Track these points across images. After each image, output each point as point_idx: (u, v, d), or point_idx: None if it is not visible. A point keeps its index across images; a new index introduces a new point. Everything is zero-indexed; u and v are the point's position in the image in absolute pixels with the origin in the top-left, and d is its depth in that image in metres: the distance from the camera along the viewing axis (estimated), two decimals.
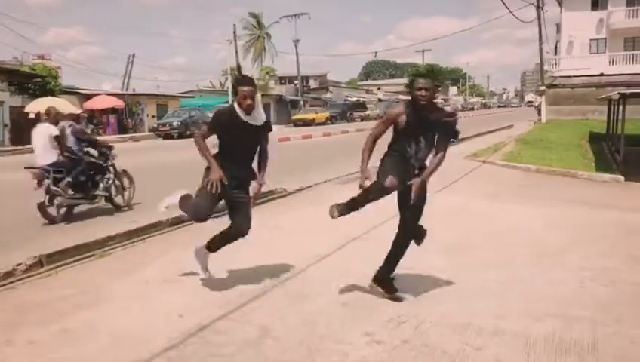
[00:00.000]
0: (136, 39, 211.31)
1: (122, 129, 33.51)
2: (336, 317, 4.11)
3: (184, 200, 4.93)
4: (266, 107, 49.03)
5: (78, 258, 5.79)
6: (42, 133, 8.06)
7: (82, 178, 8.22)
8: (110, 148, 8.95)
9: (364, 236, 6.46)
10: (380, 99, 65.55)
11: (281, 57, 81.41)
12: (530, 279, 5.01)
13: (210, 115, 20.41)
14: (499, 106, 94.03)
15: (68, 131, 8.19)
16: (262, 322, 4.05)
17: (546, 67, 40.19)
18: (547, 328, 3.87)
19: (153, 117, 36.07)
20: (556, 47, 44.30)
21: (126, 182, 9.22)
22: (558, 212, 8.15)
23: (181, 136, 29.21)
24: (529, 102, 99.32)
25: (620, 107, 14.00)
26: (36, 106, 26.94)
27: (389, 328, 3.91)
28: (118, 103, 33.17)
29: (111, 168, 8.79)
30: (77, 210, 8.36)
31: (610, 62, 37.40)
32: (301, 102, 51.79)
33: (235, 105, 4.49)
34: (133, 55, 44.12)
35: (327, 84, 67.26)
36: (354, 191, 4.32)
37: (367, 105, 54.36)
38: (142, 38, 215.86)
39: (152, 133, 31.44)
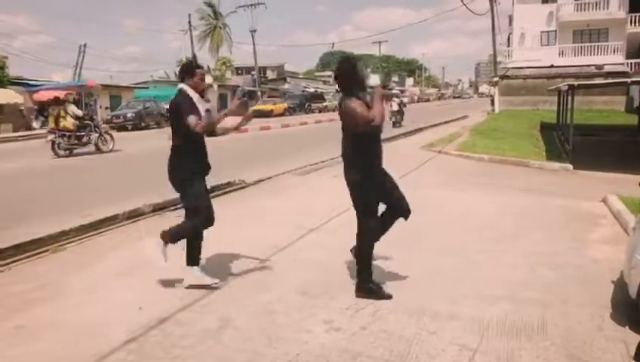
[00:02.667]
0: (87, 28, 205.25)
1: None
2: (295, 306, 4.17)
3: (169, 235, 4.58)
4: (223, 98, 48.54)
5: (32, 253, 5.66)
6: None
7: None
8: (93, 119, 16.30)
9: (321, 227, 6.54)
10: (337, 90, 65.63)
11: (237, 47, 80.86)
12: (483, 264, 5.18)
13: (166, 106, 20.19)
14: (454, 97, 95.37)
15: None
16: (222, 313, 4.07)
17: (499, 58, 41.03)
18: (499, 311, 4.03)
19: (106, 108, 35.18)
20: (509, 39, 45.18)
21: (108, 138, 16.24)
22: (509, 200, 8.41)
23: (135, 127, 28.64)
24: (481, 93, 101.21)
25: (569, 98, 14.46)
26: None
27: (347, 315, 3.99)
28: (68, 94, 32.21)
29: (96, 130, 16.01)
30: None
31: (559, 53, 38.44)
32: (259, 93, 51.46)
33: (189, 90, 4.42)
34: (85, 45, 42.88)
35: (285, 75, 66.99)
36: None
37: (325, 97, 54.38)
38: (92, 26, 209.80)
39: (106, 125, 30.71)
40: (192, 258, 4.63)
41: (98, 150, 16.14)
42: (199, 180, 4.48)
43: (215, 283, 4.57)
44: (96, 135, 16.05)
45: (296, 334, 3.70)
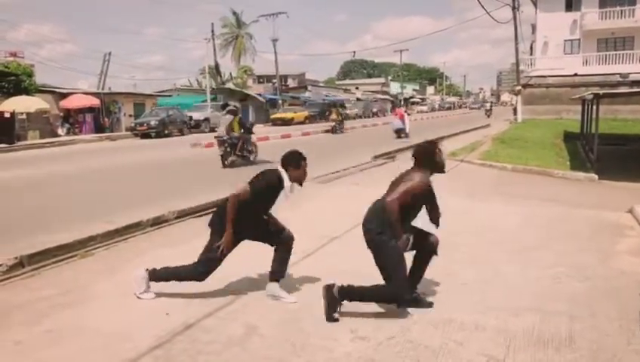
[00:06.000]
0: (111, 37, 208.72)
1: (99, 128, 33.05)
2: (320, 315, 4.17)
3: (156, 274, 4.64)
4: (245, 106, 48.87)
5: (60, 258, 5.77)
6: (226, 121, 14.86)
7: (240, 145, 14.76)
8: (252, 132, 15.79)
9: (344, 235, 6.54)
10: (358, 99, 65.67)
11: (259, 56, 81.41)
12: (509, 275, 5.13)
13: (189, 114, 20.33)
14: (471, 108, 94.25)
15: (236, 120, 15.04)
16: (247, 320, 4.10)
17: (521, 67, 40.74)
18: (526, 323, 3.99)
19: (130, 116, 35.68)
20: (531, 48, 44.90)
21: (254, 148, 15.53)
22: (534, 210, 8.33)
23: (159, 135, 28.96)
24: (503, 101, 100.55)
25: (594, 107, 14.29)
26: (11, 105, 26.53)
27: (373, 325, 3.99)
28: (94, 102, 32.75)
29: (251, 141, 15.45)
30: None
31: (583, 62, 38.06)
32: (280, 102, 51.71)
33: (286, 179, 4.45)
34: (110, 53, 43.65)
35: (306, 83, 67.22)
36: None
37: (346, 105, 54.47)
38: (117, 35, 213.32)
39: (130, 133, 31.13)
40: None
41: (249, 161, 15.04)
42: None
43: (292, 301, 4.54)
44: (252, 147, 15.52)
45: (322, 342, 3.71)
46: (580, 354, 3.52)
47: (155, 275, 4.60)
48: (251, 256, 5.60)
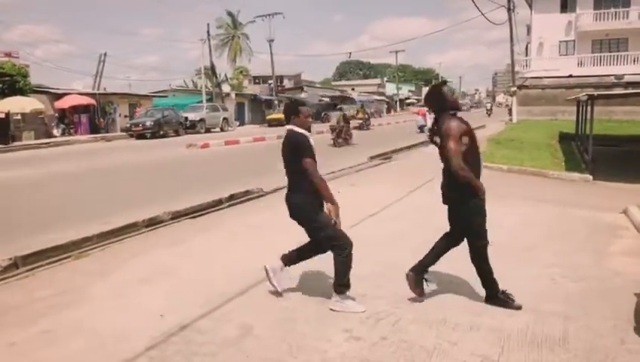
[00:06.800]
0: (107, 37, 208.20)
1: (94, 129, 32.98)
2: (315, 315, 4.19)
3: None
4: (241, 107, 48.84)
5: (55, 259, 5.76)
6: (336, 115, 22.19)
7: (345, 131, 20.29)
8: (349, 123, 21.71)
9: None
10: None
11: (255, 57, 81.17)
12: (504, 275, 5.12)
13: (184, 115, 20.63)
14: (470, 107, 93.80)
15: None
16: (242, 320, 4.10)
17: (517, 68, 40.87)
18: (520, 323, 4.01)
19: (126, 116, 35.61)
20: (527, 49, 44.99)
21: (351, 134, 21.24)
22: (529, 210, 8.35)
23: (154, 135, 28.92)
24: (499, 103, 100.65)
25: (588, 108, 14.33)
26: (6, 106, 26.45)
27: (367, 325, 4.00)
28: (90, 103, 32.68)
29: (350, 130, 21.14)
30: None
31: (578, 63, 38.16)
32: (275, 102, 51.66)
33: (298, 128, 4.42)
34: (105, 54, 43.52)
35: (302, 84, 67.16)
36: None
37: (342, 106, 54.52)
38: (112, 36, 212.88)
39: (125, 133, 31.08)
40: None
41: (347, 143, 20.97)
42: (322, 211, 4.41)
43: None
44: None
45: (317, 343, 3.71)
46: (574, 354, 3.53)
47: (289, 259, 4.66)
48: (248, 257, 5.62)
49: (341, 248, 4.26)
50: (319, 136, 28.45)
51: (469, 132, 4.25)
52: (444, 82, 4.71)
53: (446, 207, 4.51)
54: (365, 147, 18.90)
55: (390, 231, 6.83)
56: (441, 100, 4.36)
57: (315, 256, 4.62)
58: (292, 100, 4.70)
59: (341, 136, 20.68)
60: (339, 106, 25.65)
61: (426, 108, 27.23)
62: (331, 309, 4.27)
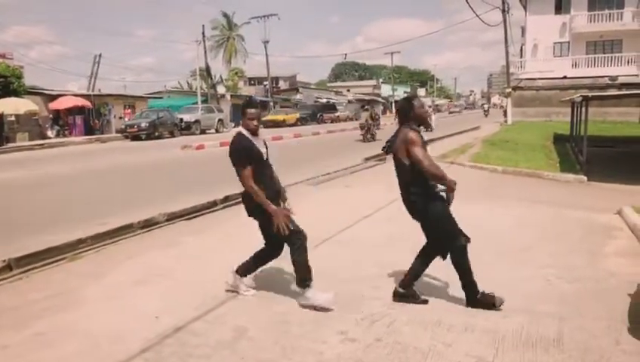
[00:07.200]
0: (101, 39, 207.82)
1: (89, 130, 32.90)
2: (309, 317, 4.18)
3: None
4: (236, 108, 48.76)
5: (49, 261, 5.73)
6: (366, 114, 23.95)
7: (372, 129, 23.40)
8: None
9: (334, 238, 6.55)
10: (349, 101, 65.76)
11: (250, 58, 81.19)
12: (499, 276, 5.15)
13: (180, 116, 20.54)
14: (465, 108, 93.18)
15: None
16: (237, 323, 4.09)
17: (511, 69, 40.93)
18: (515, 324, 4.01)
19: (120, 118, 35.54)
20: (521, 50, 45.11)
21: (377, 132, 23.68)
22: (524, 211, 8.37)
23: (149, 137, 28.86)
24: (494, 104, 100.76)
25: (583, 109, 14.39)
26: (0, 107, 26.35)
27: (362, 326, 4.00)
28: (84, 104, 32.59)
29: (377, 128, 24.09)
30: None
31: (573, 65, 38.29)
32: (271, 104, 51.69)
33: (243, 130, 4.42)
34: (100, 55, 43.39)
35: (297, 86, 67.21)
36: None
37: (337, 107, 54.53)
38: (107, 37, 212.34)
39: (120, 135, 31.01)
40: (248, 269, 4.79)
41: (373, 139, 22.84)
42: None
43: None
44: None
45: (312, 344, 3.71)
46: (568, 354, 3.54)
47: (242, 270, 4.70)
48: (243, 258, 5.61)
49: (293, 243, 4.35)
50: (316, 137, 28.53)
51: (423, 141, 4.29)
52: (416, 96, 4.68)
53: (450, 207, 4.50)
54: (379, 145, 18.95)
55: (386, 232, 6.83)
56: (408, 112, 4.37)
57: (270, 261, 4.71)
58: (244, 102, 4.66)
59: (369, 133, 23.42)
60: (366, 107, 26.17)
61: (431, 109, 30.70)
62: (300, 305, 4.38)
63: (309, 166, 13.99)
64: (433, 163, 4.20)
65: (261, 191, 4.32)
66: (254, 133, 4.44)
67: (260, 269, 4.83)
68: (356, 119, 54.35)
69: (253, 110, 4.45)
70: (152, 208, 7.94)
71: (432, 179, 4.19)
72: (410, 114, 4.35)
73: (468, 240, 4.28)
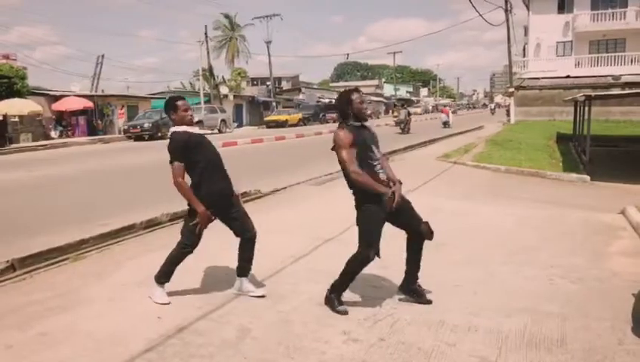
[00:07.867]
0: (105, 39, 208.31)
1: (92, 131, 32.96)
2: (313, 317, 4.18)
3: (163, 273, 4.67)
4: (239, 108, 48.83)
5: (53, 261, 5.73)
6: (403, 112, 29.40)
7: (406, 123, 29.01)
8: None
9: (337, 237, 6.54)
10: (369, 101, 65.73)
11: (253, 58, 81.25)
12: (502, 276, 5.15)
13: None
14: (468, 108, 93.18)
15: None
16: (240, 322, 4.09)
17: (514, 69, 40.90)
18: (519, 323, 4.00)
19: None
20: (524, 50, 45.07)
21: (410, 125, 29.48)
22: (527, 211, 8.35)
23: (152, 137, 28.88)
24: (497, 103, 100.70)
25: (586, 108, 14.36)
26: (4, 108, 26.42)
27: (365, 326, 3.99)
28: (88, 105, 32.65)
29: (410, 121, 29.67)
30: None
31: (576, 64, 38.22)
32: (273, 104, 51.70)
33: (176, 128, 4.43)
34: (103, 56, 43.53)
35: (300, 86, 67.20)
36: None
37: (406, 106, 54.43)
38: (110, 38, 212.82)
39: (123, 135, 31.05)
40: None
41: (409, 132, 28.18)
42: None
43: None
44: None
45: (315, 344, 3.71)
46: (571, 354, 3.53)
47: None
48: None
49: (183, 244, 4.57)
50: (318, 136, 28.49)
51: (357, 139, 4.10)
52: (356, 88, 4.49)
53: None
54: (415, 136, 25.56)
55: (388, 231, 6.81)
56: (345, 108, 4.18)
57: (249, 250, 4.67)
58: (170, 98, 4.62)
59: (407, 126, 28.98)
60: (405, 106, 34.39)
61: (449, 107, 37.20)
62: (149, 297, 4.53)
63: (312, 166, 13.98)
64: (357, 170, 4.05)
65: (190, 189, 4.52)
66: (189, 124, 4.46)
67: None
68: None
69: (181, 102, 4.48)
70: (155, 208, 7.94)
71: (354, 184, 4.10)
72: (347, 111, 4.17)
73: (377, 255, 4.15)
